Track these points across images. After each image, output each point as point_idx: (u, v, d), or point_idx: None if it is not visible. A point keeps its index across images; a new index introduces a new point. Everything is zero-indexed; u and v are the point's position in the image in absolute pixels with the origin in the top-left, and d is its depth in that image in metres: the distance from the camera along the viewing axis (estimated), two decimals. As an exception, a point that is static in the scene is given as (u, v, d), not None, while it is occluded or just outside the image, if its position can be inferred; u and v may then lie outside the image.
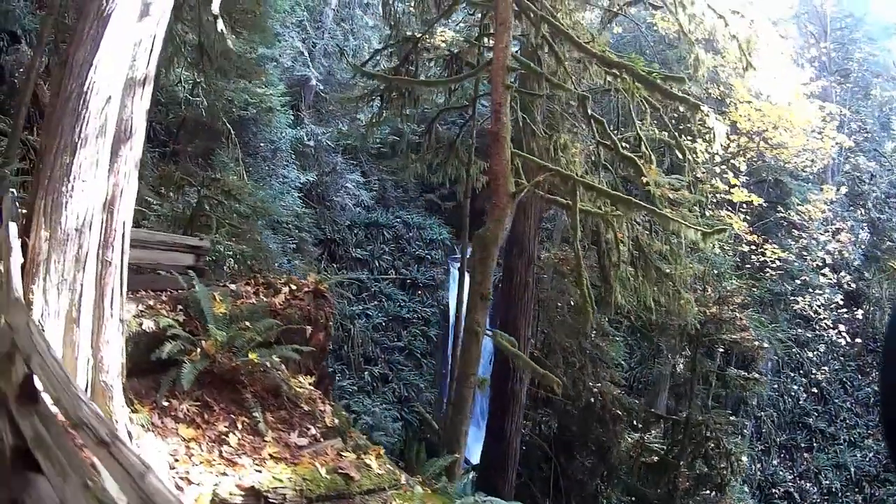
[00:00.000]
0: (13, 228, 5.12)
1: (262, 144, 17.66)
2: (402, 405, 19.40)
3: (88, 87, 5.03)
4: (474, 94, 12.10)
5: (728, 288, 13.51)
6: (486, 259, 10.13)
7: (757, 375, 14.20)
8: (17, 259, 4.71)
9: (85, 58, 5.12)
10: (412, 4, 12.26)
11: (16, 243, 4.87)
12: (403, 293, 20.31)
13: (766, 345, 13.70)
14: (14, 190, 7.05)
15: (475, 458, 17.17)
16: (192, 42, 14.37)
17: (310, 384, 7.67)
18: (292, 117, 18.17)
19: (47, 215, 4.87)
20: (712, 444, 14.22)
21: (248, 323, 7.38)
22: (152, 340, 6.42)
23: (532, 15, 11.04)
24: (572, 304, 14.43)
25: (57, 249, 4.81)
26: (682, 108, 11.16)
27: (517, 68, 10.57)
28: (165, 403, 6.27)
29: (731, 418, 14.20)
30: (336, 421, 7.44)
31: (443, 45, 12.85)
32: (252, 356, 6.56)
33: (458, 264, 21.85)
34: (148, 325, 6.59)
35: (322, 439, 7.12)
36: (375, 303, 19.92)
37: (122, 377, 5.26)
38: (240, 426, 6.51)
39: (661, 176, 11.98)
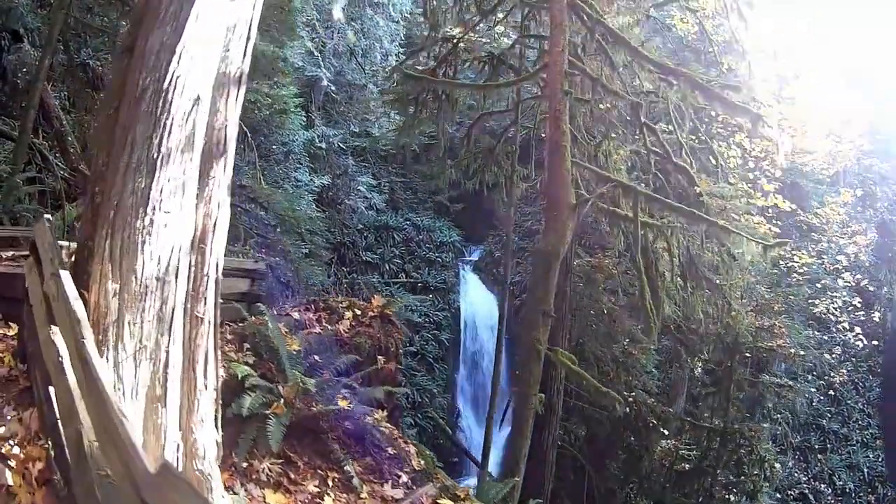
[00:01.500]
0: (68, 280, 3.56)
1: (274, 147, 16.41)
2: (416, 411, 18.37)
3: (170, 83, 3.70)
4: (517, 97, 11.06)
5: (766, 296, 12.78)
6: (547, 274, 9.18)
7: (790, 382, 13.55)
8: (88, 331, 3.21)
9: (163, 43, 3.76)
10: (451, 2, 11.17)
11: (78, 305, 3.39)
12: (414, 297, 19.23)
13: (801, 352, 13.03)
14: (50, 216, 5.70)
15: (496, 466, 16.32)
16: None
17: (384, 419, 6.67)
18: (304, 119, 16.96)
19: (115, 260, 3.51)
20: (744, 451, 13.55)
21: (317, 357, 6.36)
22: (224, 391, 5.30)
23: (586, 17, 10.06)
24: (605, 311, 13.59)
25: (132, 307, 3.49)
26: (744, 120, 10.27)
27: (575, 73, 9.58)
28: (244, 464, 5.20)
29: (764, 425, 13.44)
30: (422, 462, 6.45)
31: (482, 45, 11.80)
32: (343, 403, 5.52)
33: (471, 267, 20.92)
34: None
35: (414, 486, 6.12)
36: (387, 307, 18.78)
37: (219, 460, 4.04)
38: (331, 483, 5.47)
39: (711, 184, 11.14)
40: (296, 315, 6.96)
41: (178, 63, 3.75)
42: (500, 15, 11.93)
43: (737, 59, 17.13)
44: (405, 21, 18.64)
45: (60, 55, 13.37)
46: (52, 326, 3.52)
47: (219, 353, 4.07)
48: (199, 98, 3.82)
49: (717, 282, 10.98)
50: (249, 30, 4.20)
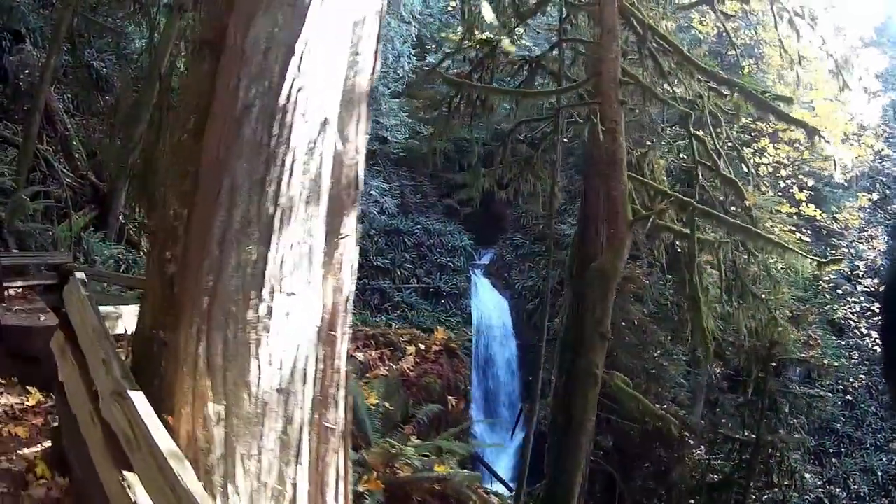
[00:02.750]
0: (147, 411, 2.38)
1: (286, 151, 15.44)
2: (430, 418, 17.63)
3: (289, 99, 2.53)
4: (557, 104, 10.28)
5: (801, 307, 12.22)
6: (605, 294, 8.47)
7: (823, 393, 13.05)
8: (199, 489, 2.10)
9: (274, 37, 2.57)
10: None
11: (191, 479, 2.14)
12: (426, 302, 18.46)
13: (835, 363, 12.51)
14: (83, 275, 4.21)
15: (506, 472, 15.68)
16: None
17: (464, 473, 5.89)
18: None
19: (216, 370, 2.43)
20: (773, 461, 13.03)
21: (388, 404, 5.56)
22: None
23: (636, 23, 9.28)
24: (635, 322, 12.91)
25: (245, 434, 2.44)
26: (800, 133, 9.60)
27: (629, 81, 8.82)
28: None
29: (781, 432, 12.94)
30: (505, 516, 5.70)
31: (519, 49, 11.00)
32: (440, 469, 4.73)
33: (482, 272, 20.14)
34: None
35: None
36: (398, 313, 17.97)
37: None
38: (423, 557, 4.72)
39: (758, 197, 10.51)
40: (360, 356, 6.13)
41: (300, 68, 2.56)
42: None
43: (756, 62, 16.64)
44: (417, 22, 17.72)
45: (63, 56, 12.31)
46: (126, 475, 2.39)
47: (349, 466, 3.04)
48: (326, 121, 2.66)
49: (763, 296, 10.34)
50: (378, 25, 2.99)
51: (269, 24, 2.61)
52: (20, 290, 6.74)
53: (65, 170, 12.32)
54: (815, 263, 9.50)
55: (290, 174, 2.56)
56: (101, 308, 3.40)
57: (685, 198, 8.86)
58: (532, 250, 19.19)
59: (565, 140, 14.11)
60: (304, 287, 2.61)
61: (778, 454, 12.86)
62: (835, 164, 9.58)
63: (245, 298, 2.47)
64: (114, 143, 12.53)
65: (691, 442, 13.97)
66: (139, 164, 12.02)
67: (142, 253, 12.60)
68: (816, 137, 9.40)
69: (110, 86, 13.30)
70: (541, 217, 19.01)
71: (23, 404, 4.26)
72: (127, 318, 3.52)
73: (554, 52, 10.71)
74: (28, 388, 4.39)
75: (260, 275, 2.50)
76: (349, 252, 2.92)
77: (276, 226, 2.53)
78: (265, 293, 2.49)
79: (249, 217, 2.52)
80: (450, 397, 6.24)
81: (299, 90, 2.58)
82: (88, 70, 12.78)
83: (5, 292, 6.41)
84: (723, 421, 15.17)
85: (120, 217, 12.68)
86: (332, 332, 2.80)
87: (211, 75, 2.87)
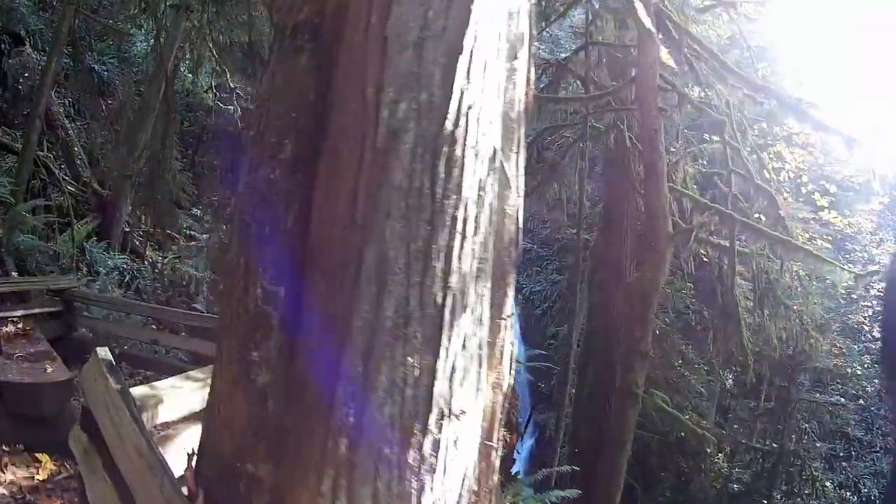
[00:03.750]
0: None
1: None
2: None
3: (457, 120, 1.61)
4: (585, 110, 9.85)
5: (825, 315, 11.91)
6: (645, 311, 8.08)
7: (844, 401, 12.78)
8: None
9: (429, 24, 1.62)
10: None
11: None
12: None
13: (858, 372, 12.24)
14: (107, 352, 2.80)
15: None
16: (220, 43, 11.60)
17: None
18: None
19: None
20: (794, 470, 12.81)
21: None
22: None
23: (672, 27, 8.86)
24: (657, 332, 12.52)
25: None
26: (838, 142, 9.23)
27: (667, 88, 8.41)
28: None
29: (817, 444, 12.67)
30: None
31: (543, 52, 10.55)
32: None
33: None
34: None
35: None
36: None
37: None
38: None
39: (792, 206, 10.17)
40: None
41: (468, 75, 1.66)
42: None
43: (770, 65, 16.33)
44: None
45: (64, 59, 11.67)
46: None
47: None
48: (495, 153, 1.79)
49: (796, 308, 10.01)
50: (531, 27, 2.07)
51: (419, 4, 1.65)
52: (19, 324, 6.02)
53: (66, 177, 11.72)
54: (851, 276, 9.17)
55: (463, 239, 1.66)
56: (135, 391, 2.46)
57: (725, 210, 8.47)
58: (539, 254, 18.79)
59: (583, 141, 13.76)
60: (473, 400, 1.77)
61: (799, 463, 12.63)
62: (874, 175, 9.19)
63: (405, 434, 1.63)
64: (117, 148, 11.93)
65: (708, 450, 13.69)
66: (144, 170, 11.46)
67: (146, 263, 12.01)
68: (856, 149, 9.01)
69: (113, 89, 12.66)
70: (550, 221, 18.63)
71: (32, 478, 3.58)
72: (167, 400, 2.72)
73: (580, 55, 10.27)
74: (36, 454, 3.74)
75: (425, 396, 1.65)
76: (510, 335, 2.08)
77: (446, 320, 1.65)
78: (432, 422, 1.65)
79: (409, 310, 1.63)
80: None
81: (469, 108, 1.66)
82: (90, 73, 12.13)
83: (4, 328, 5.71)
84: (734, 426, 14.93)
85: (124, 226, 12.08)
86: (490, 442, 2.01)
87: (315, 76, 1.87)
